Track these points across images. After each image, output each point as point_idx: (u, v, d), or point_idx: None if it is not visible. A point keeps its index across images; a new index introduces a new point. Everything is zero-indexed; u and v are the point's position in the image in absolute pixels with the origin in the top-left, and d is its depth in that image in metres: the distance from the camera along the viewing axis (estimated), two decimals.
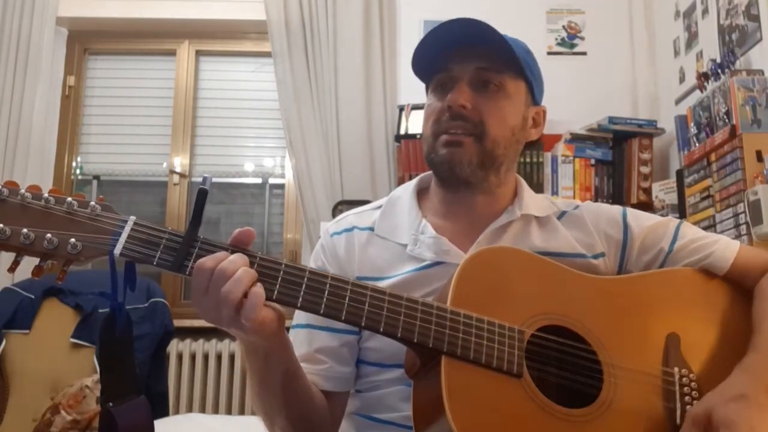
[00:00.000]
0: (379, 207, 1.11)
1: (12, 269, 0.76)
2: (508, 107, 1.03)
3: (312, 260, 1.10)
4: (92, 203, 0.78)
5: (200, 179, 0.78)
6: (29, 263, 0.76)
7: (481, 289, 0.89)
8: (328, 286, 0.81)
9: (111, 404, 0.81)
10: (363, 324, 0.81)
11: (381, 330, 0.81)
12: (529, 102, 1.08)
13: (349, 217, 1.11)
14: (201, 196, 0.78)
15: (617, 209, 1.11)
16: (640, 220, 1.09)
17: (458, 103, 1.00)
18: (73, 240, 0.75)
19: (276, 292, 0.79)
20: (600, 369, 0.88)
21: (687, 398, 0.91)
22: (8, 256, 0.76)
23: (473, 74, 1.02)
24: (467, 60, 1.02)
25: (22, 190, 0.76)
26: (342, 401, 1.03)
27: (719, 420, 0.81)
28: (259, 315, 0.76)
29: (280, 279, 0.79)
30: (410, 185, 1.13)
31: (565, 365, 0.88)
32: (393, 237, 1.05)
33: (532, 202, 1.08)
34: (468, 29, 1.00)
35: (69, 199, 0.77)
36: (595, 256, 1.04)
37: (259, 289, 0.76)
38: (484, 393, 0.81)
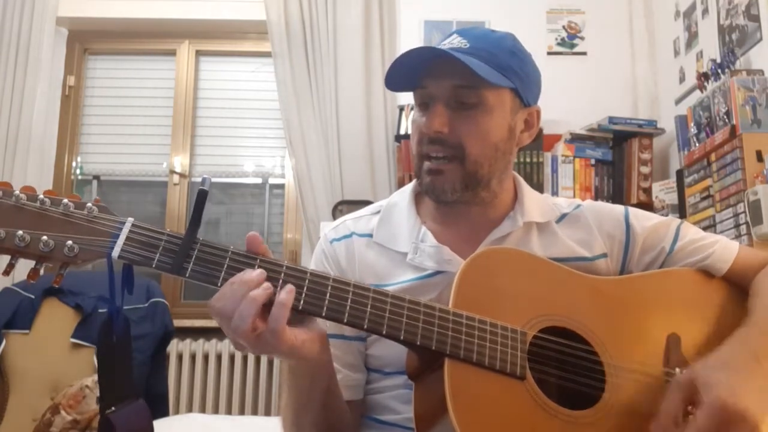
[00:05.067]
0: (377, 212, 1.09)
1: (7, 272, 0.74)
2: (490, 123, 0.98)
3: (313, 265, 1.08)
4: (89, 205, 0.77)
5: (200, 179, 0.78)
6: (26, 265, 0.75)
7: (483, 290, 0.88)
8: (329, 288, 0.80)
9: (111, 409, 0.81)
10: (365, 326, 0.80)
11: (384, 333, 0.80)
12: (518, 107, 1.02)
13: (347, 222, 1.10)
14: (201, 198, 0.77)
15: (620, 209, 1.10)
16: (642, 220, 1.08)
17: (433, 130, 0.97)
18: (69, 242, 0.74)
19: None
20: (602, 370, 0.88)
21: None
22: (4, 259, 0.75)
23: (449, 92, 0.97)
24: (443, 76, 0.97)
25: (17, 191, 0.75)
26: (357, 409, 1.01)
27: (701, 384, 0.80)
28: (285, 334, 0.76)
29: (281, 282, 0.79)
30: (407, 190, 1.11)
31: (567, 367, 0.88)
32: (391, 245, 1.04)
33: (534, 206, 1.07)
34: (438, 51, 0.97)
35: (65, 200, 0.76)
36: (597, 257, 1.03)
37: (277, 311, 0.76)
38: (487, 395, 0.81)
